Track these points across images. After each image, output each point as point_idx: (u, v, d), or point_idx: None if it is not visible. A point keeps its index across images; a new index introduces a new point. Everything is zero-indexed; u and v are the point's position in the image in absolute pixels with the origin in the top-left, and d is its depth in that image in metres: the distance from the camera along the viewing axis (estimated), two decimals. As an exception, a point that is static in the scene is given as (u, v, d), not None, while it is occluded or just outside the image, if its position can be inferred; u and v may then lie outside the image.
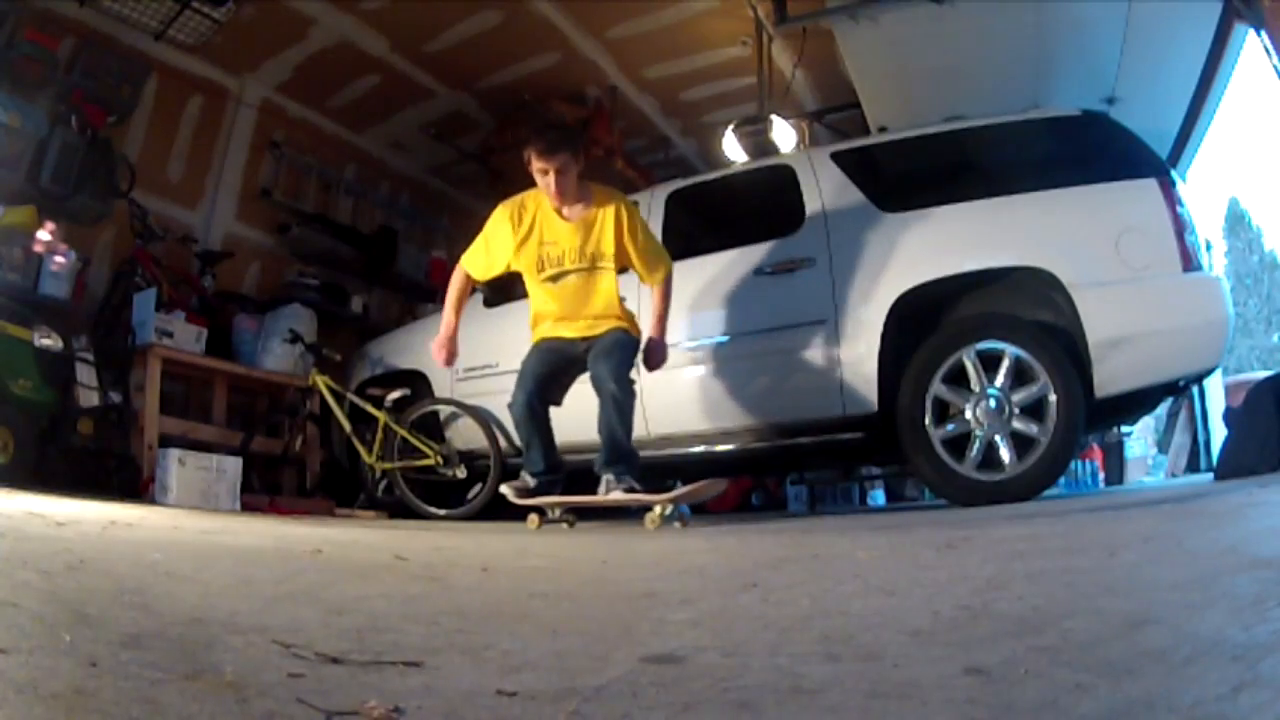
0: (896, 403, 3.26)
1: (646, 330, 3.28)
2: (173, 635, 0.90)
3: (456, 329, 3.28)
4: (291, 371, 4.77)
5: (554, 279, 3.14)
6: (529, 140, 3.11)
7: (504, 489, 3.24)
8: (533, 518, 3.20)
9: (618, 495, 3.02)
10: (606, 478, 3.05)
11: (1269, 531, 1.65)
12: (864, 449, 3.68)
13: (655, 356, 3.27)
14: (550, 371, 3.17)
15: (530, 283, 3.22)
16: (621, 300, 3.20)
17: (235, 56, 5.25)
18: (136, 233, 4.68)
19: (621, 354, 3.09)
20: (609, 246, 3.11)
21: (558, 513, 3.20)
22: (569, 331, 3.18)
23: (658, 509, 2.96)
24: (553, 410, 3.22)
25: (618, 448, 3.03)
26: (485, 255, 3.24)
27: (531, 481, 3.18)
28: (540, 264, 3.13)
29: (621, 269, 3.20)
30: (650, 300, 3.31)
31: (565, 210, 3.12)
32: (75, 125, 4.43)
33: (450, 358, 3.31)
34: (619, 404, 2.99)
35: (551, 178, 3.02)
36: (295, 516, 3.88)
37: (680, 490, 3.14)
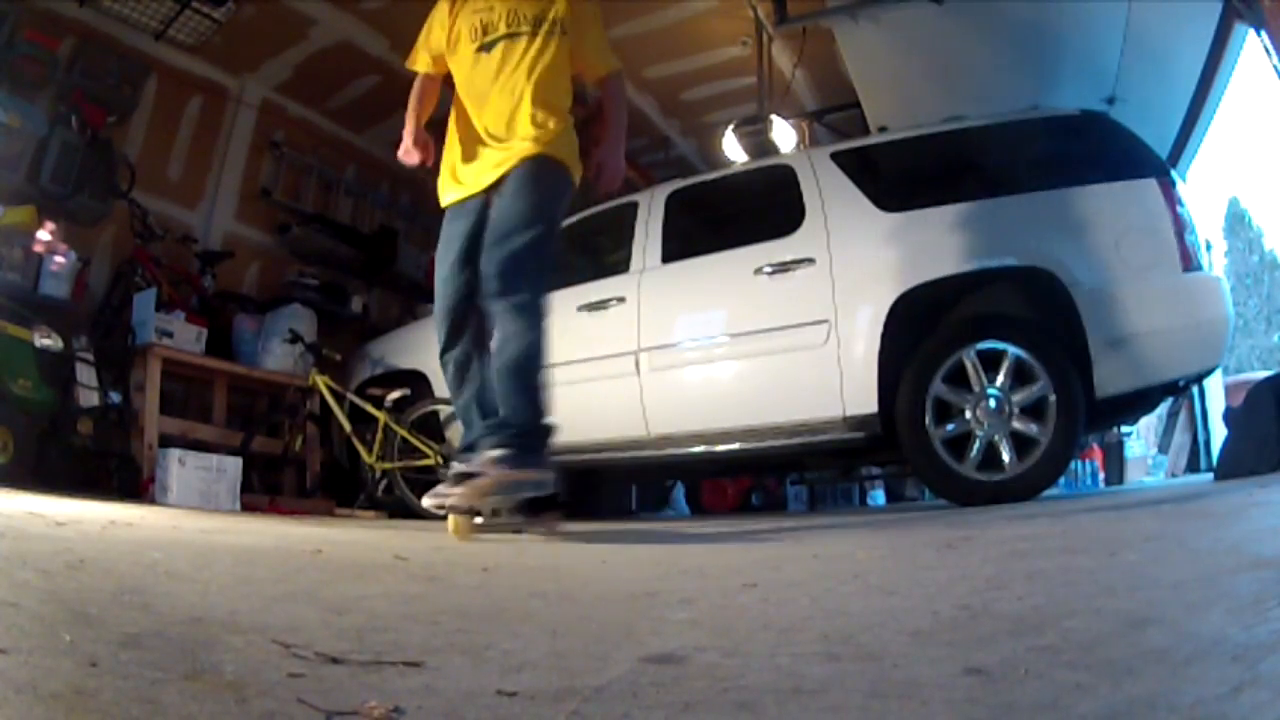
0: (896, 403, 3.26)
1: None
2: (173, 635, 0.90)
3: (421, 125, 2.65)
4: (291, 371, 4.77)
5: (486, 48, 2.49)
6: None
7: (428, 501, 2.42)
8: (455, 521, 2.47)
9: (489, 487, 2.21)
10: (492, 455, 2.23)
11: (1269, 531, 1.65)
12: (864, 449, 3.68)
13: (608, 174, 2.58)
14: (474, 267, 2.39)
15: (460, 75, 2.56)
16: (565, 94, 2.51)
17: (235, 56, 5.25)
18: (136, 233, 4.68)
19: (529, 213, 2.30)
20: (559, 8, 2.50)
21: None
22: (475, 168, 2.46)
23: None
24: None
25: (522, 405, 2.25)
26: (425, 40, 2.66)
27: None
28: (474, 32, 2.51)
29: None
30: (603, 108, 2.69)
31: None
32: (75, 125, 4.44)
33: (425, 153, 2.60)
34: (523, 315, 2.24)
35: None
36: (295, 516, 3.88)
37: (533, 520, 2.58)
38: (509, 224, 2.34)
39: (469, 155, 2.52)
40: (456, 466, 2.31)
